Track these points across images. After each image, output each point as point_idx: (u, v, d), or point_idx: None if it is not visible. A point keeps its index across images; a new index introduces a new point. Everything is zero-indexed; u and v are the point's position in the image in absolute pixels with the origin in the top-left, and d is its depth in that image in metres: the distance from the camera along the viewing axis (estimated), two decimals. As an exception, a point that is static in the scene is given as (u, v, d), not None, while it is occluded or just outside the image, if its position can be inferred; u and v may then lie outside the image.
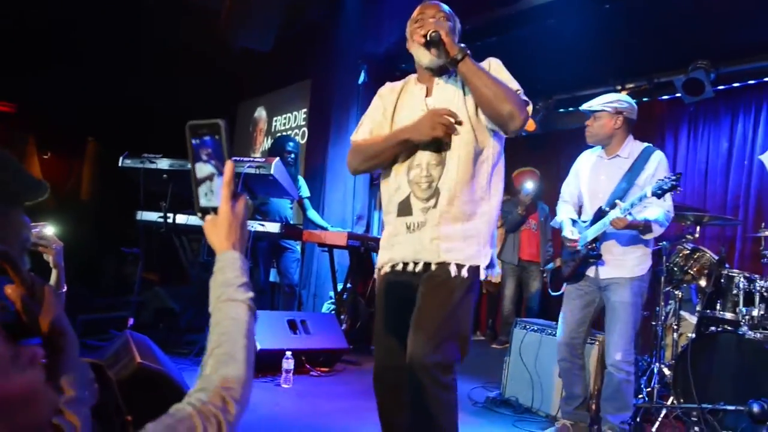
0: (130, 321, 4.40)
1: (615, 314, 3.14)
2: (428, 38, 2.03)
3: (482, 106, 2.02)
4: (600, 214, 3.19)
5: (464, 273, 1.98)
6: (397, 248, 2.12)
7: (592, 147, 3.41)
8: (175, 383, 2.09)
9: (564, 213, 3.41)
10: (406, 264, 2.09)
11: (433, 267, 2.01)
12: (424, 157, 2.07)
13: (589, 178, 3.35)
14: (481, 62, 2.09)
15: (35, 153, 8.70)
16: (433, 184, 2.05)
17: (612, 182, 3.23)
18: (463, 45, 2.01)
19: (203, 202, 1.18)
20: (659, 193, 2.95)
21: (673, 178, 2.94)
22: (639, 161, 3.20)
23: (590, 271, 3.25)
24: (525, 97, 2.03)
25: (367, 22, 6.07)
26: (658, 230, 3.10)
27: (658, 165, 3.17)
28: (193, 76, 7.45)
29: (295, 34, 6.88)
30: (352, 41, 6.21)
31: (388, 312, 2.15)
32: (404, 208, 2.11)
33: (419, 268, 2.05)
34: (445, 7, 2.17)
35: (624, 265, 3.18)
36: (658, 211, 3.08)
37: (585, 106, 3.33)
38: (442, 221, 2.02)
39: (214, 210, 1.16)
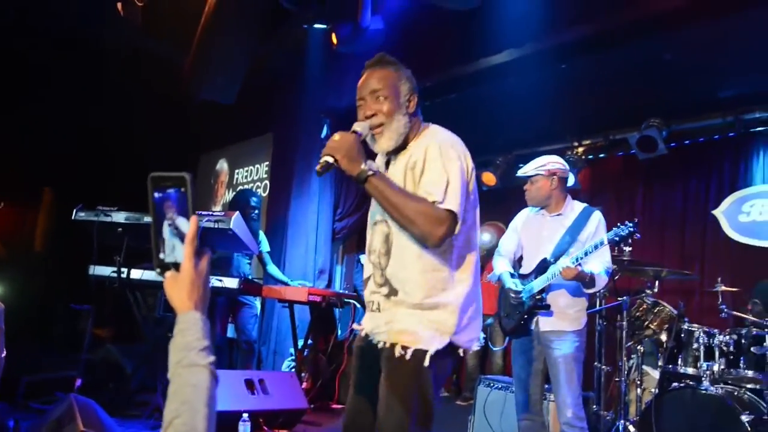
0: (78, 382, 4.18)
1: (559, 370, 3.15)
2: (321, 170, 1.84)
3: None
4: (545, 266, 3.22)
5: (408, 355, 1.88)
6: (365, 319, 2.12)
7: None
8: (118, 453, 1.96)
9: (501, 266, 3.44)
10: (371, 337, 2.06)
11: (387, 346, 1.94)
12: (375, 243, 2.04)
13: (531, 234, 3.42)
14: (437, 133, 1.99)
15: (-11, 202, 8.43)
16: (383, 273, 2.00)
17: (554, 236, 3.30)
18: (366, 164, 1.82)
19: (163, 257, 1.13)
20: (616, 240, 3.02)
21: (630, 225, 3.00)
22: (580, 219, 3.29)
23: (533, 325, 3.27)
24: (448, 206, 1.82)
25: (329, 76, 6.14)
26: (600, 284, 3.17)
27: (598, 224, 3.26)
28: (154, 126, 7.38)
29: (258, 88, 6.91)
30: (315, 95, 6.27)
31: (359, 374, 2.11)
32: (366, 284, 2.11)
33: (379, 345, 2.00)
34: (390, 68, 2.02)
35: (565, 318, 3.21)
36: (599, 265, 3.14)
37: (520, 173, 3.44)
38: (399, 309, 1.95)
39: (175, 266, 1.12)
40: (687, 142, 5.82)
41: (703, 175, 5.76)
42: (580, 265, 3.06)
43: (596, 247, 3.06)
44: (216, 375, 1.05)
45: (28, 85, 6.82)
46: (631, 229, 3.00)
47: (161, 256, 1.13)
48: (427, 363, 1.87)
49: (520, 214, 3.56)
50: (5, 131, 7.10)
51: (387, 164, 2.08)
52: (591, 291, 3.20)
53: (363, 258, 5.38)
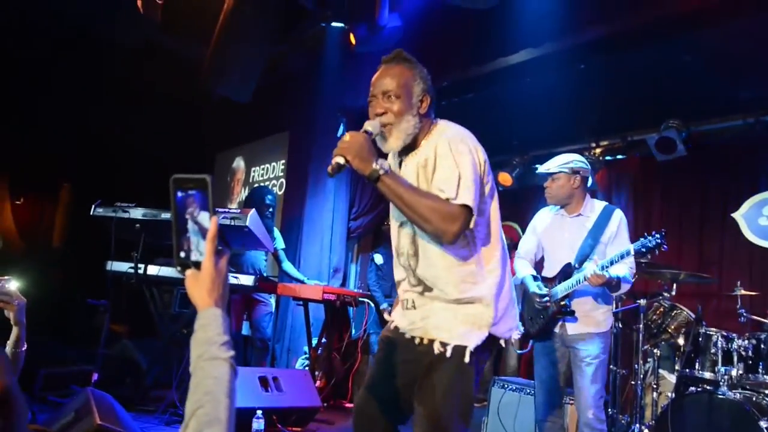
0: (94, 377, 4.22)
1: (583, 371, 3.14)
2: (332, 172, 1.84)
3: None
4: (569, 270, 3.20)
5: (448, 352, 1.90)
6: (398, 316, 2.13)
7: (545, 206, 3.48)
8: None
9: (523, 269, 3.41)
10: (403, 332, 2.08)
11: (425, 342, 1.97)
12: (404, 245, 2.05)
13: (551, 236, 3.39)
14: (446, 129, 1.98)
15: (8, 198, 8.53)
16: (415, 273, 2.02)
17: (576, 239, 3.26)
18: (377, 163, 1.83)
19: (184, 255, 1.17)
20: (643, 251, 2.99)
21: (658, 236, 2.97)
22: (601, 219, 3.26)
23: (558, 328, 3.24)
24: (461, 201, 1.82)
25: (346, 75, 6.14)
26: (625, 287, 3.16)
27: (620, 223, 3.25)
28: (172, 124, 7.44)
29: (274, 86, 6.94)
30: (332, 94, 6.27)
31: (378, 368, 2.12)
32: (401, 285, 2.12)
33: (415, 339, 2.02)
34: (406, 66, 2.00)
35: (592, 320, 3.20)
36: (624, 268, 3.12)
37: (542, 169, 3.40)
38: (435, 304, 1.98)
39: (195, 265, 1.15)
40: (706, 143, 5.75)
41: (722, 177, 5.68)
42: (607, 271, 3.05)
43: (622, 256, 3.04)
44: (236, 368, 1.08)
45: (47, 83, 6.90)
46: (659, 241, 2.98)
47: (182, 254, 1.17)
48: (467, 359, 1.88)
49: (538, 215, 3.53)
50: (24, 128, 7.20)
51: (400, 165, 2.07)
52: (616, 294, 3.19)
53: (377, 257, 5.40)
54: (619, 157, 6.30)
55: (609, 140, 6.23)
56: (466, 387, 1.91)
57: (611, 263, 3.04)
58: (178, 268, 1.18)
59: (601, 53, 4.79)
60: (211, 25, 5.57)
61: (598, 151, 6.22)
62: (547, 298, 3.22)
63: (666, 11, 4.15)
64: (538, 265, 3.49)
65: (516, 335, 2.03)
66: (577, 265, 3.19)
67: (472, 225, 1.87)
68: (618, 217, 3.25)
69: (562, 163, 3.32)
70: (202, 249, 1.15)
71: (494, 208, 2.02)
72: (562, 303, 3.18)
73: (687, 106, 5.49)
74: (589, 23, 4.45)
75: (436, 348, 1.91)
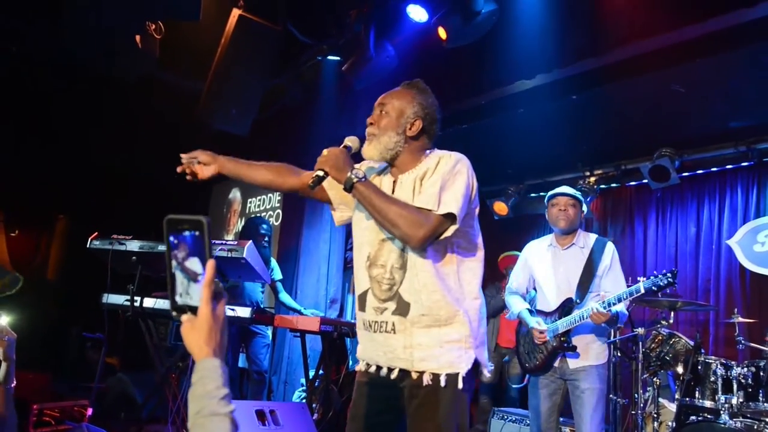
0: (89, 411, 4.17)
1: (583, 402, 3.13)
2: (312, 183, 1.99)
3: None
4: (569, 306, 3.19)
5: (442, 382, 1.88)
6: (365, 346, 2.07)
7: (541, 235, 3.53)
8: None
9: (518, 304, 3.41)
10: (380, 368, 2.02)
11: (413, 375, 1.92)
12: (390, 258, 2.00)
13: (546, 270, 3.39)
14: (451, 153, 2.02)
15: (3, 230, 8.51)
16: (394, 288, 1.98)
17: (572, 273, 3.28)
18: (352, 172, 1.92)
19: (180, 300, 1.12)
20: (654, 290, 3.01)
21: (669, 275, 2.98)
22: (595, 253, 3.27)
23: (557, 362, 3.23)
24: (443, 211, 1.88)
25: (342, 107, 6.21)
26: (621, 322, 3.21)
27: (612, 256, 3.29)
28: (168, 156, 7.44)
29: (271, 118, 6.99)
30: (328, 126, 6.32)
31: (361, 421, 2.04)
32: (361, 303, 2.07)
33: (395, 374, 1.97)
34: (412, 91, 2.11)
35: (591, 354, 3.22)
36: (621, 304, 3.13)
37: (568, 190, 3.41)
38: (415, 329, 1.94)
39: (191, 309, 1.10)
40: (700, 171, 5.81)
41: (717, 204, 5.73)
42: (610, 309, 3.06)
43: (631, 294, 3.05)
44: (236, 423, 1.04)
45: (43, 115, 6.94)
46: (670, 280, 2.99)
47: (177, 298, 1.12)
48: (461, 385, 1.87)
49: (528, 249, 3.54)
50: (20, 159, 7.21)
51: (394, 183, 2.09)
52: (613, 327, 3.21)
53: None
54: (614, 185, 6.35)
55: (603, 169, 6.29)
56: (462, 418, 1.90)
57: (619, 300, 3.06)
58: (174, 314, 1.13)
59: (593, 84, 4.85)
60: (209, 59, 5.64)
61: (592, 179, 6.27)
62: (545, 333, 3.21)
63: (656, 44, 4.23)
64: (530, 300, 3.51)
65: (486, 373, 2.03)
66: (578, 301, 3.20)
67: (450, 234, 1.92)
68: (611, 250, 3.29)
69: (578, 192, 3.41)
70: (192, 293, 1.10)
71: (478, 239, 2.07)
72: (563, 338, 3.18)
73: (680, 134, 5.56)
74: (580, 56, 4.53)
75: (426, 380, 1.88)
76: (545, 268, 3.39)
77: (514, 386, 5.53)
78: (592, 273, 3.22)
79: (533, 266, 3.45)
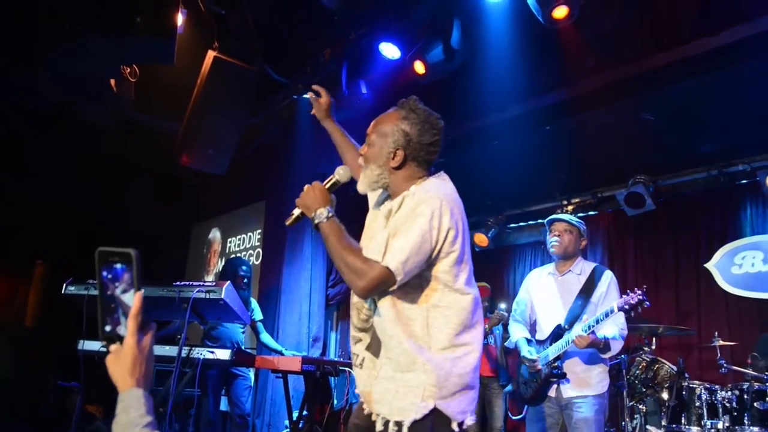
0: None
1: None
2: (288, 223, 2.03)
3: None
4: (559, 332, 3.18)
5: (390, 430, 1.82)
6: (356, 377, 2.05)
7: (537, 263, 3.51)
8: None
9: (518, 332, 3.39)
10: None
11: (373, 418, 1.89)
12: None
13: (543, 297, 3.39)
14: (429, 187, 1.94)
15: (-20, 276, 8.37)
16: (369, 320, 1.97)
17: (566, 300, 3.27)
18: (317, 212, 1.91)
19: (109, 329, 1.14)
20: (626, 308, 2.99)
21: (639, 293, 2.98)
22: (591, 279, 3.27)
23: (552, 391, 3.19)
24: (385, 263, 1.79)
25: (320, 143, 6.23)
26: (615, 348, 3.13)
27: (609, 283, 3.26)
28: (146, 197, 7.42)
29: (250, 157, 7.00)
30: (306, 163, 6.34)
31: None
32: (351, 328, 2.07)
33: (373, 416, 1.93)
34: (400, 113, 2.01)
35: (587, 383, 3.16)
36: (613, 329, 3.11)
37: (564, 217, 3.41)
38: (381, 370, 1.91)
39: (120, 339, 1.12)
40: (674, 197, 5.89)
41: (693, 228, 5.80)
42: (593, 332, 3.03)
43: (606, 315, 3.04)
44: None
45: (20, 160, 6.89)
46: (641, 298, 2.99)
47: (107, 328, 1.14)
48: None
49: (530, 277, 3.54)
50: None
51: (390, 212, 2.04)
52: (606, 356, 3.15)
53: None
54: (591, 213, 6.41)
55: (580, 197, 6.36)
56: None
57: (597, 322, 3.04)
58: (103, 343, 1.14)
59: (565, 115, 4.95)
60: (185, 100, 5.66)
61: (570, 208, 6.32)
62: (537, 362, 3.19)
63: (622, 74, 4.33)
64: (533, 327, 3.47)
65: (470, 421, 1.86)
66: (567, 326, 3.18)
67: (395, 288, 1.83)
68: (608, 277, 3.28)
69: (577, 220, 3.39)
70: (124, 324, 1.13)
71: (458, 283, 1.90)
72: (554, 365, 3.15)
73: (653, 160, 5.66)
74: (551, 88, 4.62)
75: (379, 425, 1.85)
76: (543, 295, 3.39)
77: (512, 417, 5.46)
78: (585, 299, 3.21)
79: (532, 293, 3.45)
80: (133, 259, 1.13)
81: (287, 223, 2.01)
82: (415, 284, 1.87)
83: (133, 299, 1.12)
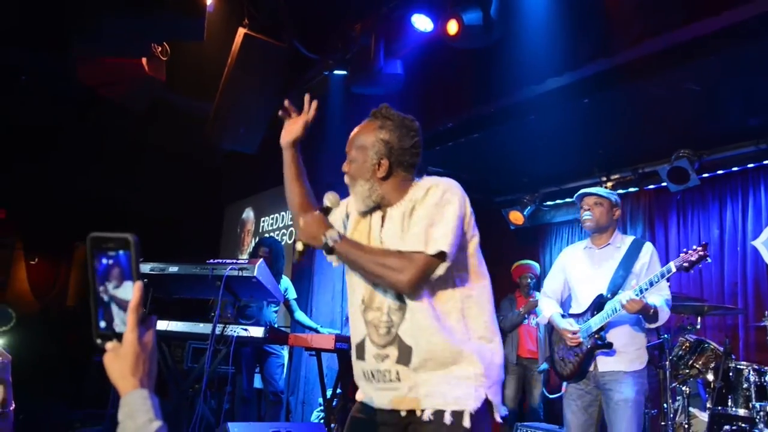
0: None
1: (617, 415, 2.97)
2: (297, 258, 1.96)
3: None
4: (601, 302, 3.08)
5: (446, 420, 1.74)
6: (367, 392, 1.95)
7: (574, 242, 3.41)
8: None
9: (550, 308, 3.29)
10: (381, 408, 1.90)
11: (417, 413, 1.80)
12: (386, 299, 1.89)
13: (581, 270, 3.28)
14: (438, 180, 1.91)
15: (22, 258, 8.61)
16: (392, 330, 1.86)
17: (607, 270, 3.16)
18: (327, 235, 1.84)
19: (104, 326, 1.02)
20: (686, 266, 2.89)
21: (700, 249, 2.87)
22: (631, 251, 3.16)
23: (591, 366, 3.09)
24: (433, 249, 1.78)
25: (351, 120, 6.16)
26: (663, 317, 3.01)
27: (652, 255, 3.16)
28: (180, 179, 7.49)
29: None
30: (336, 141, 6.28)
31: None
32: (359, 352, 1.95)
33: (402, 414, 1.85)
34: (376, 123, 1.98)
35: (624, 358, 3.06)
36: (659, 298, 3.00)
37: (591, 190, 3.30)
38: (420, 373, 1.82)
39: (117, 337, 1.01)
40: (720, 172, 5.66)
41: (740, 204, 5.56)
42: (644, 297, 2.92)
43: (663, 275, 2.94)
44: None
45: (57, 143, 7.01)
46: (702, 253, 2.88)
47: (102, 324, 1.03)
48: (467, 424, 1.73)
49: (564, 253, 3.44)
50: (37, 187, 7.28)
51: (383, 218, 1.99)
52: (654, 326, 3.05)
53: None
54: (632, 189, 6.21)
55: (620, 173, 6.16)
56: None
57: (651, 284, 2.93)
58: (98, 341, 1.03)
59: (605, 87, 4.75)
60: (216, 79, 5.64)
61: (609, 185, 6.14)
62: (578, 334, 3.09)
63: (667, 42, 4.12)
64: (564, 305, 3.38)
65: (498, 418, 1.85)
66: (609, 296, 3.07)
67: (442, 272, 1.80)
68: (649, 249, 3.18)
69: (608, 191, 3.29)
70: (122, 319, 1.01)
71: (482, 268, 1.94)
72: (597, 336, 3.05)
73: (697, 134, 5.43)
74: (591, 58, 4.43)
75: (428, 416, 1.76)
76: (580, 269, 3.29)
77: (549, 396, 5.34)
78: (627, 269, 3.11)
79: (568, 269, 3.35)
80: (131, 245, 1.01)
81: (296, 259, 1.96)
82: (447, 277, 1.85)
83: (131, 291, 1.01)
